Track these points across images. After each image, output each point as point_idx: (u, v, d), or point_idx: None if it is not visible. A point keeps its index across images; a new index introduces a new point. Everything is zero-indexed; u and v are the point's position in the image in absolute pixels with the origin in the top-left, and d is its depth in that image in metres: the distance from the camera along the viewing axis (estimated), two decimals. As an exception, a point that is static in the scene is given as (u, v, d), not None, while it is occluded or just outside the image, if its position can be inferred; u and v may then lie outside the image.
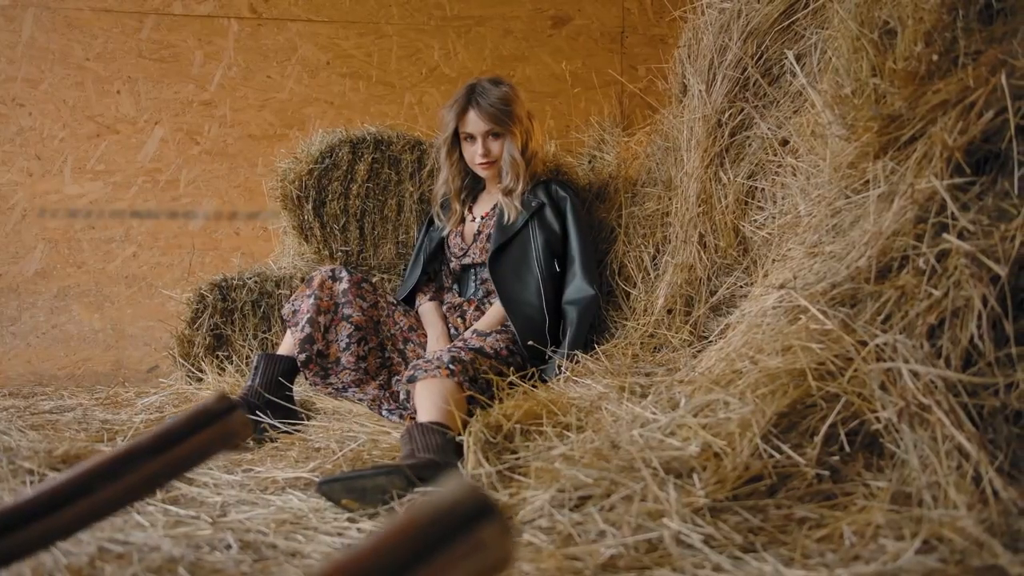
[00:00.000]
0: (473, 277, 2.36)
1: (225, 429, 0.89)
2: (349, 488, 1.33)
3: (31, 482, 1.40)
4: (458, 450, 1.56)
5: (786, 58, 2.08)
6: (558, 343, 2.16)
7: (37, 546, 0.80)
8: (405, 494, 1.34)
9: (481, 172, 2.30)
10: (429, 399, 1.72)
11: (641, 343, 2.10)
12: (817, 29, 2.03)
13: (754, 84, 2.10)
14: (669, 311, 2.16)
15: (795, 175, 1.94)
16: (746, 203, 2.09)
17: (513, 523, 0.42)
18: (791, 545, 1.09)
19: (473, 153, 2.26)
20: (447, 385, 1.77)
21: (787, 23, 2.07)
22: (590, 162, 2.82)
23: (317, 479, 1.52)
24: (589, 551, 1.06)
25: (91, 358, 3.00)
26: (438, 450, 1.50)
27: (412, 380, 1.81)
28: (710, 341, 2.04)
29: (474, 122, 2.22)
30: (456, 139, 2.29)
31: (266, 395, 1.93)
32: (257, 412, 1.89)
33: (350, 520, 1.32)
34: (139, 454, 0.84)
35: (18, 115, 2.98)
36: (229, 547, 1.17)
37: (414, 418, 1.82)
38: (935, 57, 1.49)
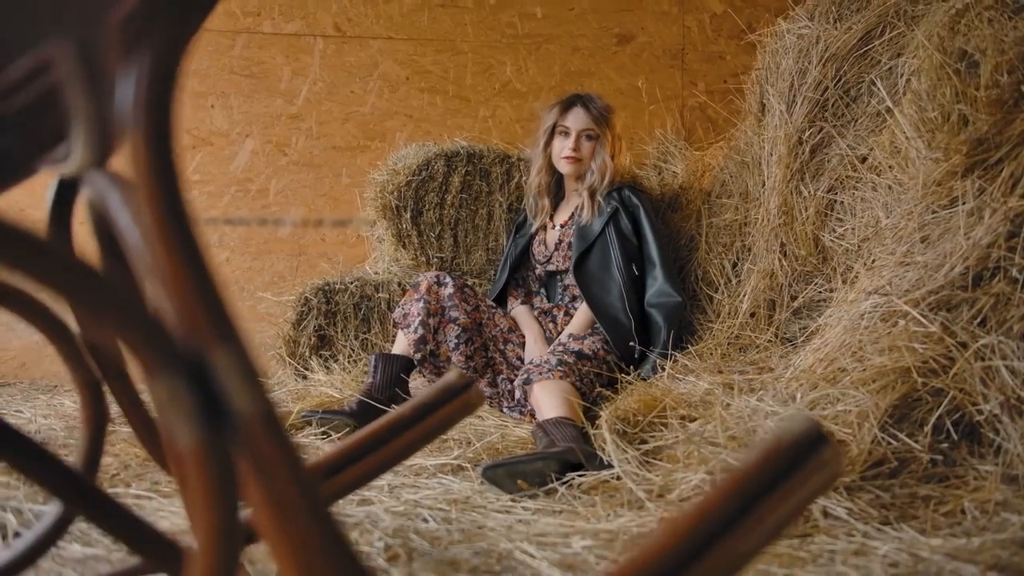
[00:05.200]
0: (559, 283, 2.53)
1: (466, 401, 1.06)
2: (511, 473, 1.50)
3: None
4: (587, 439, 1.74)
5: (863, 81, 2.26)
6: (643, 344, 2.32)
7: (343, 493, 0.99)
8: (560, 477, 1.52)
9: (564, 166, 2.46)
10: (550, 398, 1.89)
11: (728, 343, 2.28)
12: (893, 56, 2.20)
13: (833, 105, 2.27)
14: (752, 315, 2.33)
15: (875, 190, 2.11)
16: (826, 215, 2.26)
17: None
18: (922, 519, 1.26)
19: (563, 146, 2.43)
20: (563, 385, 1.95)
21: (864, 49, 2.24)
22: (659, 173, 2.99)
23: (467, 465, 1.70)
24: (751, 522, 1.23)
25: (188, 357, 3.18)
26: (575, 439, 1.68)
27: (527, 382, 1.98)
28: (794, 343, 2.21)
29: (575, 117, 2.41)
30: (553, 135, 2.47)
31: (397, 391, 2.11)
32: (386, 406, 2.07)
33: (512, 500, 1.49)
34: (402, 425, 1.01)
35: (120, 128, 3.16)
36: (426, 521, 1.34)
37: (533, 416, 1.99)
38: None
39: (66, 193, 0.89)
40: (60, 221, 0.87)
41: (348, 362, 2.57)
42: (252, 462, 0.47)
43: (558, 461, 1.53)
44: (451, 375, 1.07)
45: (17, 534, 1.19)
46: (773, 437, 0.63)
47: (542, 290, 2.58)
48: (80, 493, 0.81)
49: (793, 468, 0.61)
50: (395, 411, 1.01)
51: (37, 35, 0.44)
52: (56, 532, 0.85)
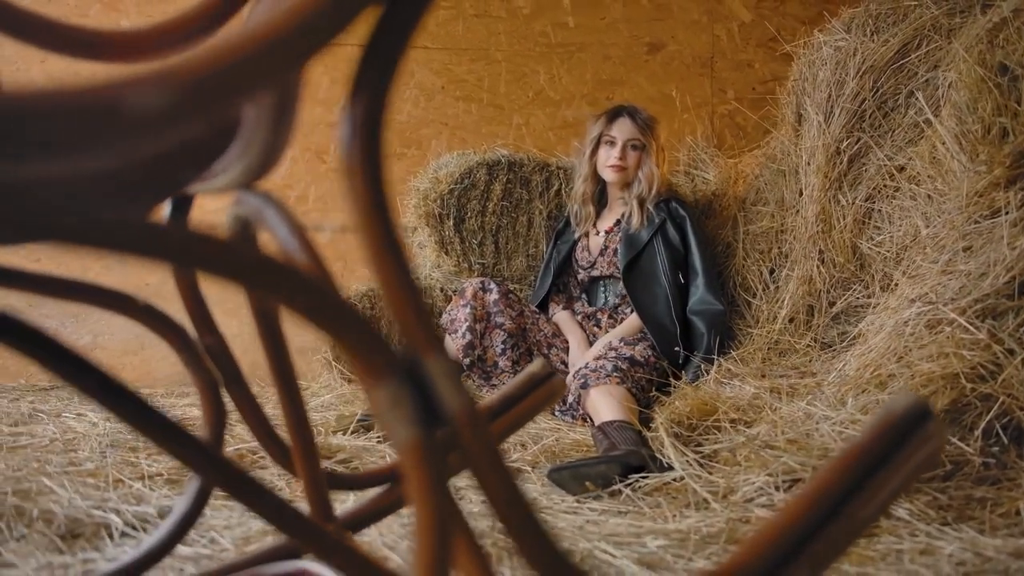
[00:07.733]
0: (603, 288, 2.58)
1: (550, 391, 1.11)
2: (576, 475, 1.56)
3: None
4: (645, 443, 1.80)
5: (900, 93, 2.31)
6: (686, 349, 2.38)
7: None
8: (624, 479, 1.57)
9: (609, 174, 2.52)
10: (608, 402, 1.94)
11: (768, 348, 2.33)
12: (930, 68, 2.25)
13: (870, 116, 2.33)
14: (791, 320, 2.38)
15: (914, 199, 2.16)
16: (863, 223, 2.32)
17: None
18: (979, 520, 1.31)
19: (608, 155, 2.49)
20: (620, 391, 2.00)
21: (901, 62, 2.29)
22: (692, 180, 3.05)
23: (527, 468, 1.76)
24: (817, 521, 1.29)
25: (231, 360, 3.25)
26: (635, 442, 1.73)
27: (584, 387, 2.04)
28: (833, 348, 2.26)
29: (622, 126, 2.48)
30: (599, 145, 2.53)
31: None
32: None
33: (577, 502, 1.55)
34: (491, 415, 1.06)
35: (163, 137, 3.23)
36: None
37: (586, 419, 2.05)
38: (1067, 103, 1.71)
39: (182, 205, 0.96)
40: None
41: (392, 366, 2.63)
42: (462, 456, 0.53)
43: (621, 464, 1.59)
44: (534, 365, 1.12)
45: (123, 533, 1.25)
46: (883, 412, 0.68)
47: (583, 295, 2.64)
48: (221, 470, 0.87)
49: (902, 441, 0.67)
50: (483, 402, 1.07)
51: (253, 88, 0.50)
52: (199, 505, 0.92)
